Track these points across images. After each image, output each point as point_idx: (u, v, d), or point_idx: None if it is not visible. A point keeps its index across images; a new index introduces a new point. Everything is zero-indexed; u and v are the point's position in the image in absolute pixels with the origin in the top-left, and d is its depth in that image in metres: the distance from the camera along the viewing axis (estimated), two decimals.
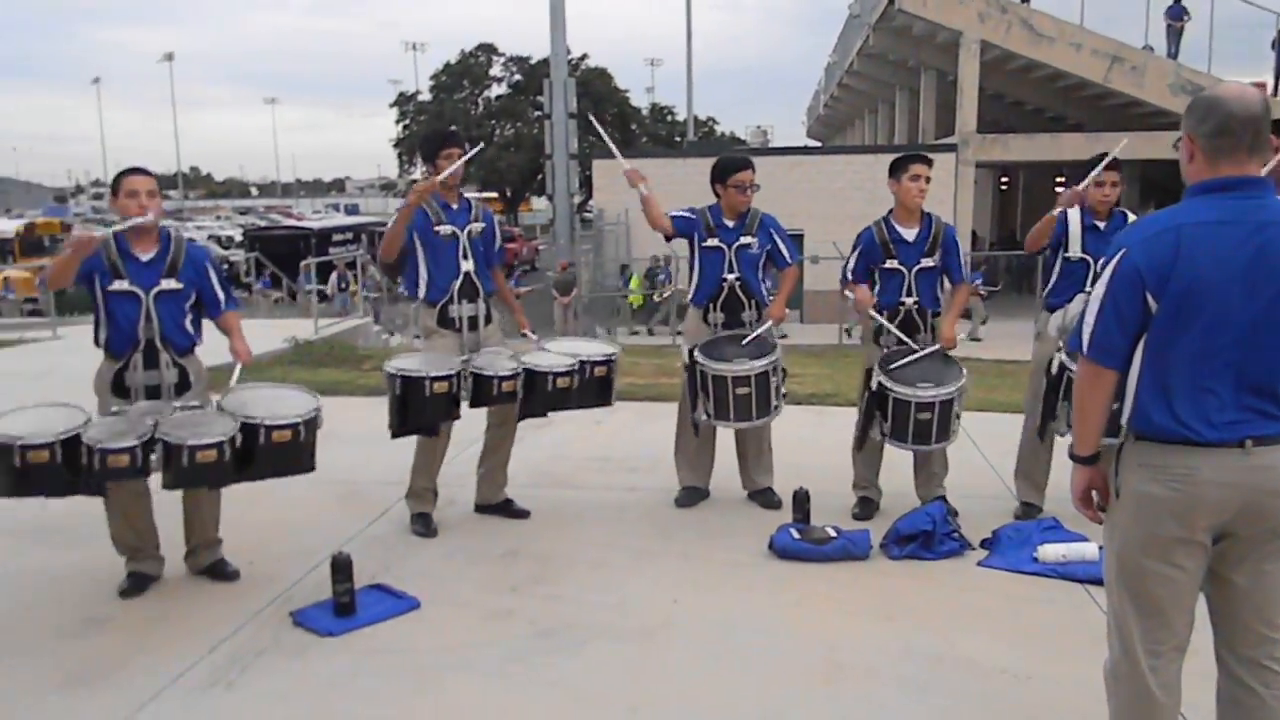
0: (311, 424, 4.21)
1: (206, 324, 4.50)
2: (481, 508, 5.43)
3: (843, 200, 21.87)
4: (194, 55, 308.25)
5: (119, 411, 4.17)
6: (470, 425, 5.19)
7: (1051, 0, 25.66)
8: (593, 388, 5.14)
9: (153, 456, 3.97)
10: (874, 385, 4.98)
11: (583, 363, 5.06)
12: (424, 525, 5.13)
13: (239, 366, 4.37)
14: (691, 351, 5.26)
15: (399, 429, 4.83)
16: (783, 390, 5.30)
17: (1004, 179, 33.47)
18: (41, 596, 4.39)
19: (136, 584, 4.40)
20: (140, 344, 4.23)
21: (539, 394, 4.97)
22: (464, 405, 4.90)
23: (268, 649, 3.87)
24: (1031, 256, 5.89)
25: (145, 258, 4.26)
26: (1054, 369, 4.91)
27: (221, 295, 4.47)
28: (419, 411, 4.74)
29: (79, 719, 3.37)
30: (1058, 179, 29.51)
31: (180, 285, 4.31)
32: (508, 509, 5.39)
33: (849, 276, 5.26)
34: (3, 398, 4.54)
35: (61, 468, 3.87)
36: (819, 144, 45.85)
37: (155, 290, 4.24)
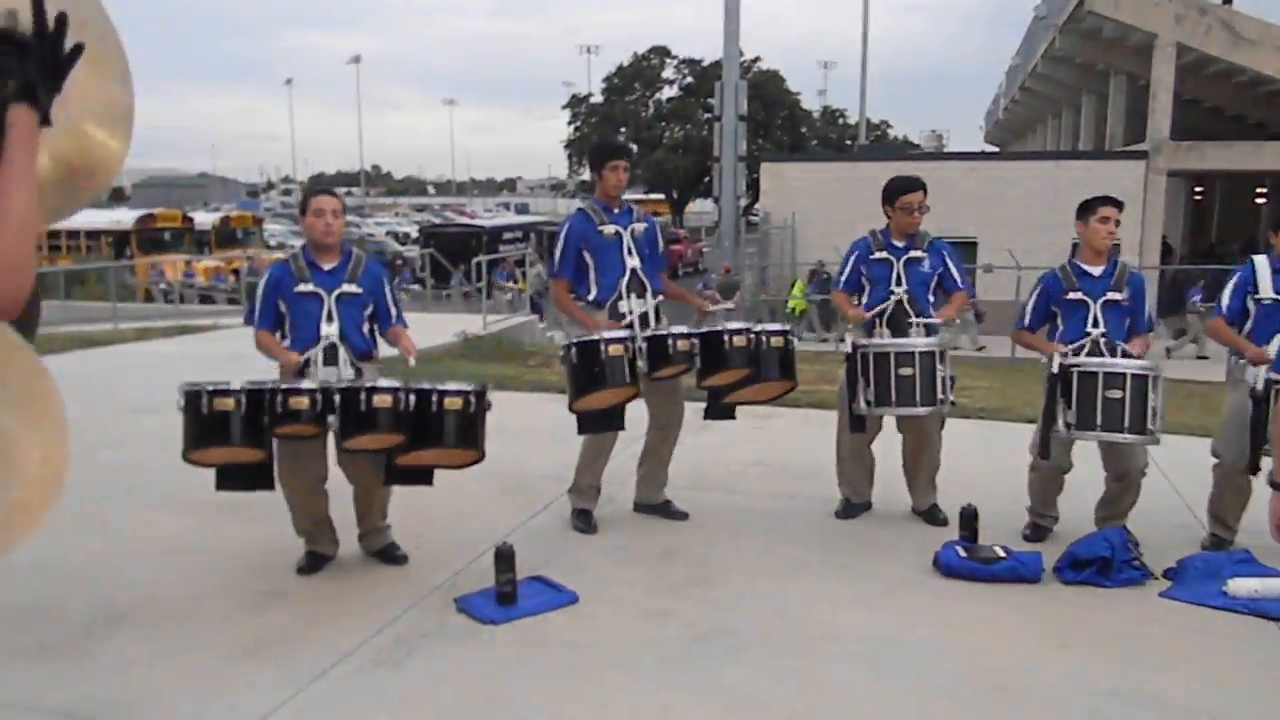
0: (480, 398, 4.30)
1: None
2: (640, 507, 5.45)
3: (1021, 208, 21.09)
4: (380, 58, 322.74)
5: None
6: (632, 425, 5.22)
7: (1255, 1, 24.09)
8: (773, 359, 5.05)
9: (330, 419, 4.16)
10: (1055, 367, 4.72)
11: (757, 332, 5.02)
12: (585, 521, 5.19)
13: (411, 361, 4.54)
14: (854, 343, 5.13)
15: (578, 398, 4.80)
16: (950, 388, 5.07)
17: (1198, 189, 31.59)
18: (227, 569, 4.64)
19: (313, 563, 4.61)
20: (321, 342, 4.45)
21: (717, 356, 4.90)
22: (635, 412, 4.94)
23: (432, 633, 3.98)
24: (1223, 273, 5.60)
25: (328, 267, 4.53)
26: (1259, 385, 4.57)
27: (393, 310, 4.69)
28: (597, 376, 4.71)
29: (256, 687, 3.54)
30: (1259, 190, 27.65)
31: (360, 290, 4.54)
32: (666, 510, 5.40)
33: (1025, 323, 5.12)
34: (189, 375, 4.82)
35: (244, 421, 4.07)
36: (997, 149, 44.38)
37: (337, 291, 4.48)
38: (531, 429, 6.97)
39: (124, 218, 30.01)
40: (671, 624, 4.09)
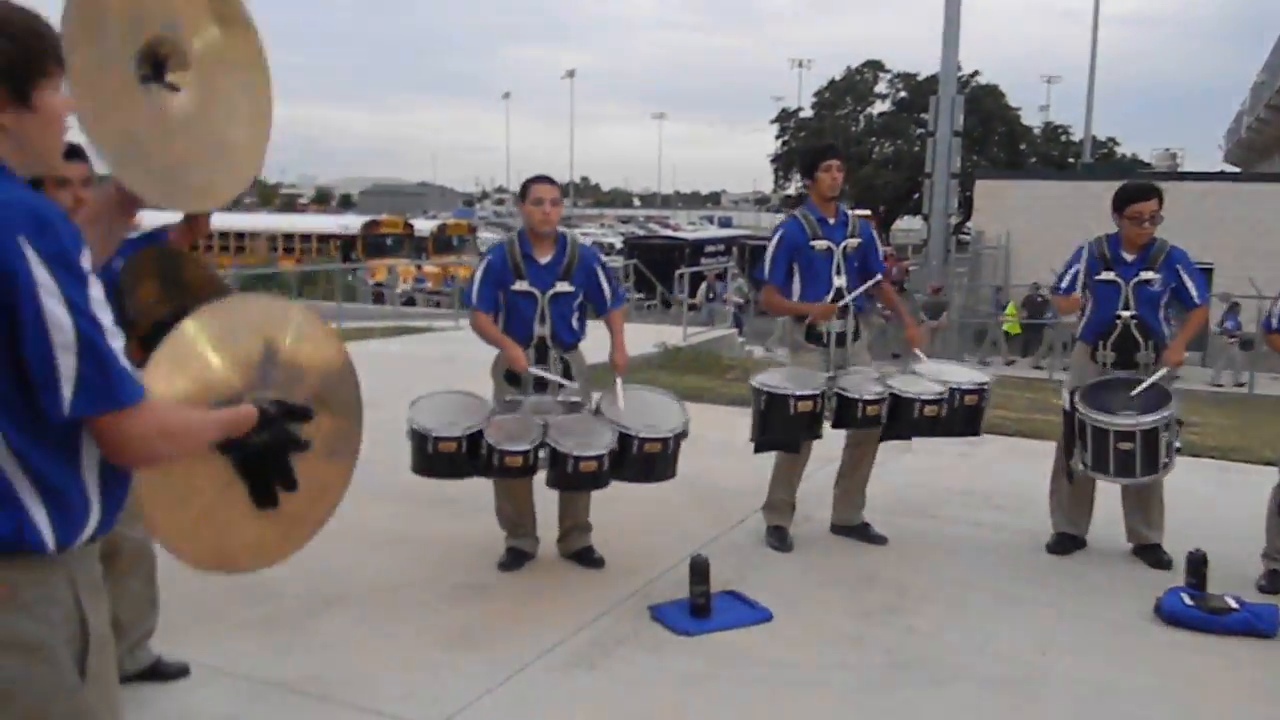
0: (680, 437, 4.43)
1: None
2: (838, 528, 5.34)
3: (1264, 233, 19.56)
4: (593, 72, 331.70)
5: (512, 401, 4.54)
6: (829, 442, 5.12)
7: None
8: (960, 416, 4.89)
9: (541, 455, 4.31)
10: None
11: (953, 390, 4.84)
12: (779, 539, 5.13)
13: (619, 381, 4.61)
14: (1072, 395, 4.88)
15: (760, 443, 4.89)
16: (1175, 445, 4.76)
17: None
18: (434, 561, 4.84)
19: (514, 559, 4.74)
20: (534, 339, 4.57)
21: (904, 420, 4.83)
22: (826, 425, 4.87)
23: (627, 638, 4.02)
24: None
25: (544, 260, 4.61)
26: None
27: (609, 293, 4.76)
28: (781, 428, 4.78)
29: (458, 676, 3.67)
30: None
31: (572, 288, 4.64)
32: (864, 533, 5.26)
33: (1274, 324, 4.71)
34: (415, 378, 5.07)
35: (464, 456, 4.32)
36: (1238, 170, 41.34)
37: (551, 292, 4.59)
38: (726, 443, 6.94)
39: (351, 223, 31.97)
40: (869, 650, 3.98)
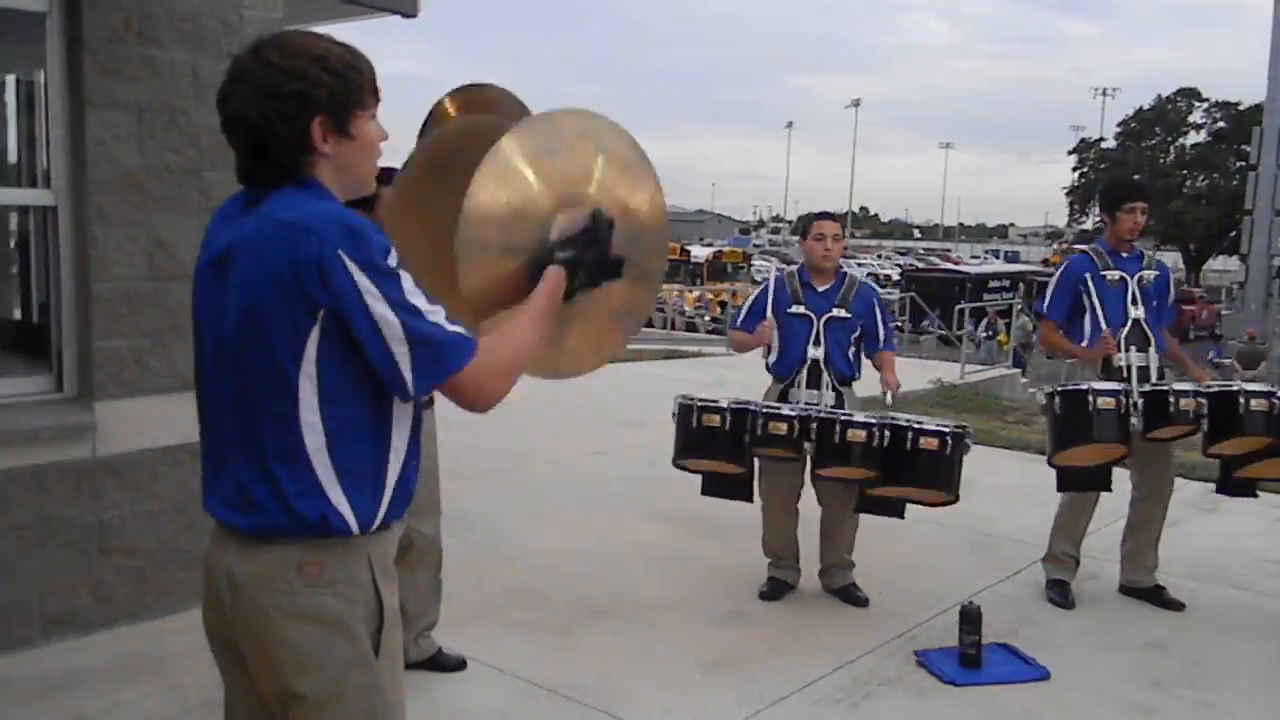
0: (959, 440, 4.19)
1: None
2: (1127, 589, 4.93)
3: None
4: (877, 101, 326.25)
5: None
6: (1118, 496, 4.76)
7: None
8: None
9: (807, 445, 4.25)
10: None
11: None
12: (1060, 594, 4.80)
13: (889, 395, 4.52)
14: None
15: (1058, 451, 4.53)
16: None
17: None
18: (698, 583, 4.88)
19: (775, 589, 4.71)
20: (806, 363, 4.55)
21: (1228, 416, 4.35)
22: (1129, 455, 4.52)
23: (891, 681, 3.89)
24: None
25: (821, 289, 4.63)
26: None
27: (883, 333, 4.71)
28: (1081, 429, 4.39)
29: (716, 699, 3.68)
30: None
31: (848, 315, 4.59)
32: (1158, 597, 4.83)
33: None
34: (628, 395, 5.12)
35: (727, 436, 4.27)
36: None
37: (826, 316, 4.56)
38: (1005, 488, 6.61)
39: None
40: None
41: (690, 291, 29.12)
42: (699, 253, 35.22)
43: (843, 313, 4.60)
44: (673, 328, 24.77)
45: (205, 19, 4.10)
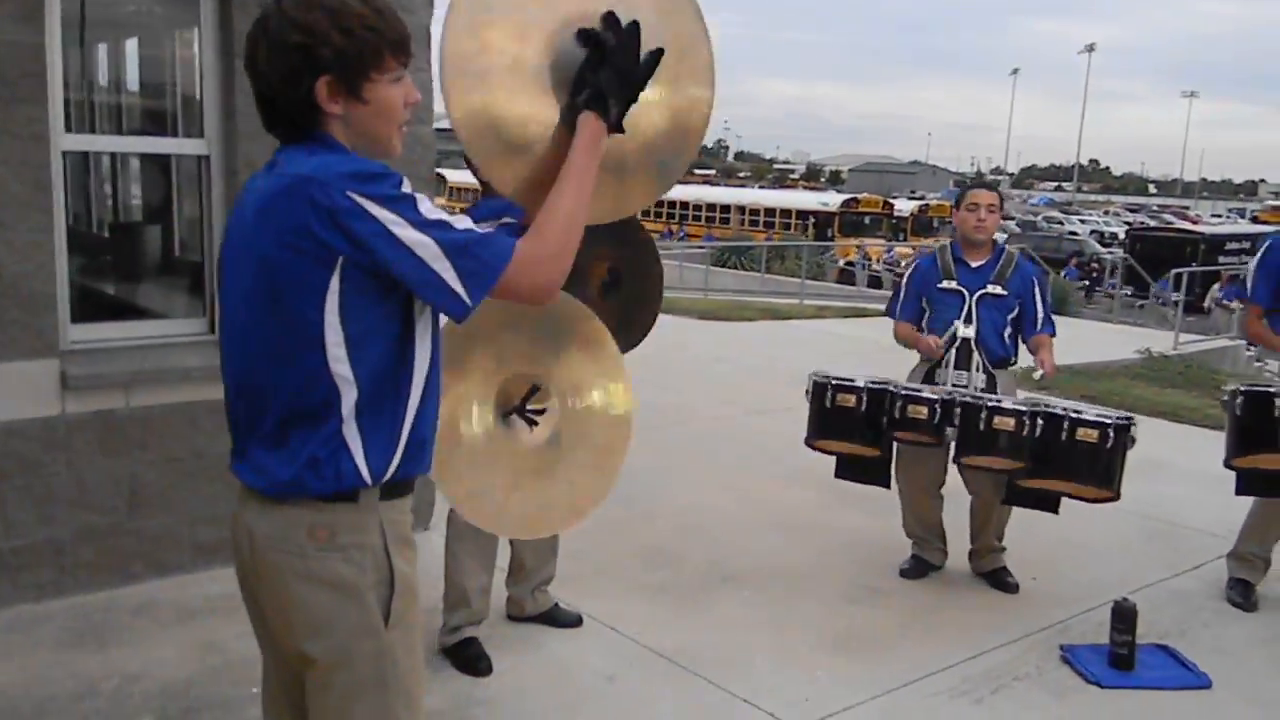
0: (1122, 433, 3.80)
1: None
2: None
3: None
4: (1114, 47, 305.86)
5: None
6: None
7: None
8: None
9: (949, 430, 3.99)
10: None
11: None
12: (1243, 594, 4.34)
13: (1040, 374, 4.17)
14: None
15: (1237, 454, 4.08)
16: None
17: None
18: (836, 554, 4.70)
19: (917, 567, 4.47)
20: (956, 342, 4.25)
21: None
22: None
23: (1029, 676, 3.62)
24: None
25: (975, 264, 4.35)
26: None
27: (1041, 315, 4.36)
28: (1264, 435, 3.94)
29: (832, 680, 3.52)
30: None
31: (1004, 292, 4.29)
32: None
33: None
34: (855, 362, 4.91)
35: (863, 418, 4.06)
36: None
37: (980, 292, 4.27)
38: (1200, 472, 6.03)
39: (830, 200, 32.26)
40: None
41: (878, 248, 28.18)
42: (904, 207, 34.06)
43: (998, 289, 4.28)
44: (877, 285, 24.10)
45: None
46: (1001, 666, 3.68)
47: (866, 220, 30.62)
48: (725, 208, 33.54)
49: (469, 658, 3.48)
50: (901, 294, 4.55)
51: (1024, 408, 3.87)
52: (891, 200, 34.66)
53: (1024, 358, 4.45)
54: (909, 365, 4.48)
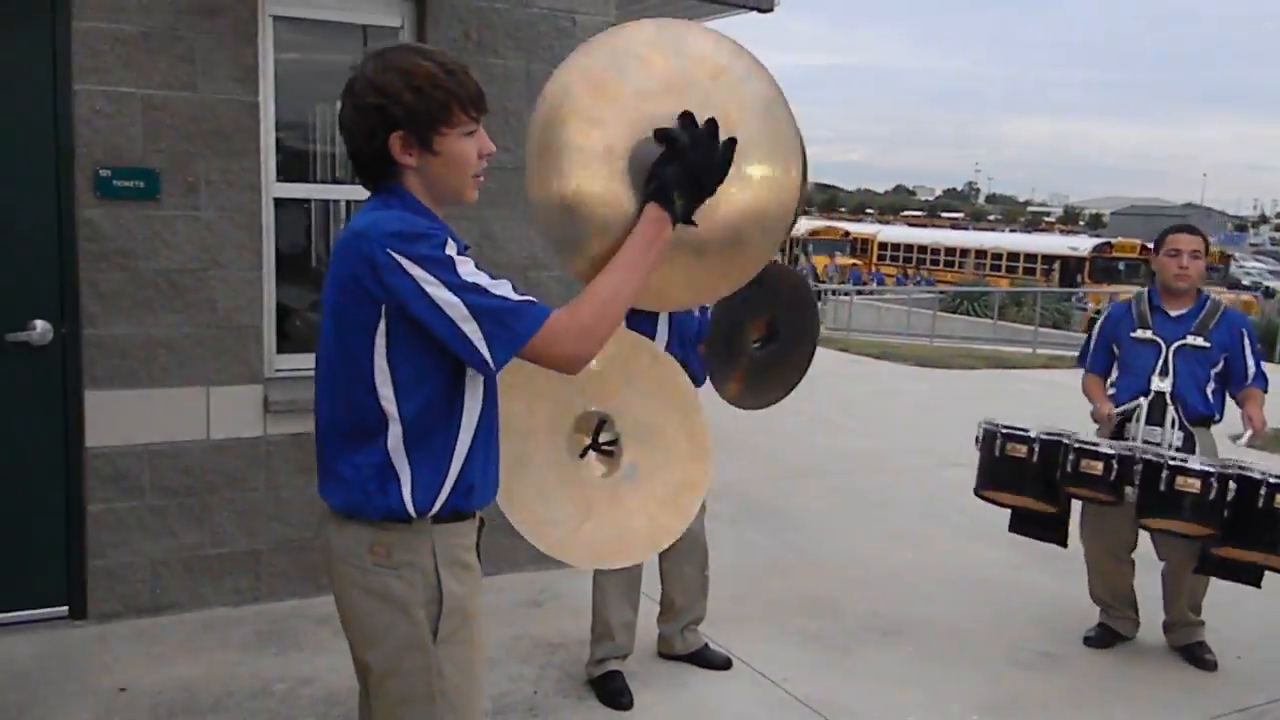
0: None
1: None
2: None
3: None
4: None
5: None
6: None
7: None
8: None
9: (1129, 489, 3.73)
10: None
11: None
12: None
13: (1248, 433, 3.81)
14: None
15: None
16: None
17: None
18: (1016, 616, 4.45)
19: (1103, 636, 4.18)
20: (1149, 395, 3.97)
21: None
22: None
23: None
24: None
25: (1175, 313, 4.06)
26: None
27: (1251, 369, 4.00)
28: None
29: None
30: None
31: (1207, 345, 3.97)
32: None
33: None
34: (1067, 412, 4.66)
35: (1035, 469, 3.86)
36: None
37: (1178, 343, 3.97)
38: None
39: (1080, 245, 30.49)
40: None
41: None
42: (1081, 245, 31.55)
43: (1199, 341, 3.96)
44: None
45: (540, 25, 4.39)
46: None
47: (1122, 266, 28.68)
48: (964, 251, 32.42)
49: (612, 691, 3.54)
50: (1092, 343, 4.31)
51: (1212, 468, 3.56)
52: (1149, 245, 32.37)
53: (1232, 418, 4.09)
54: None
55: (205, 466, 4.04)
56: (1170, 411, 3.94)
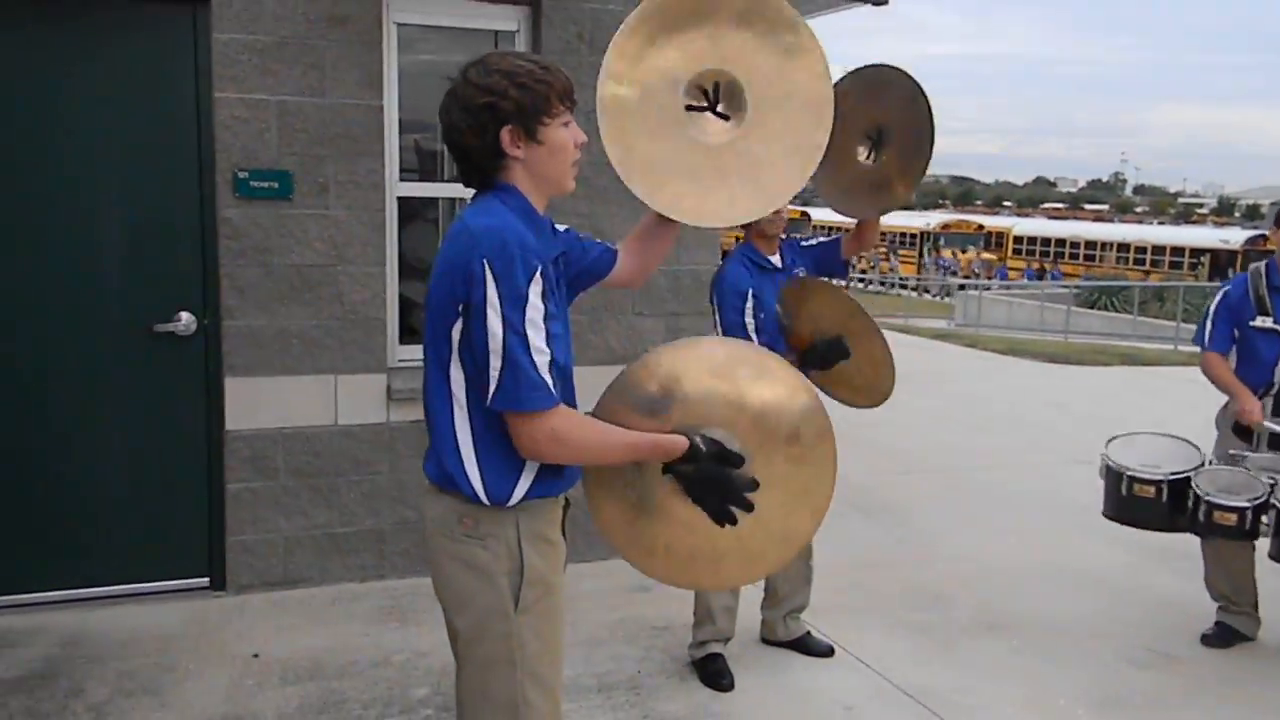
0: None
1: None
2: None
3: None
4: None
5: (1236, 456, 3.86)
6: None
7: None
8: None
9: (1264, 520, 3.64)
10: None
11: None
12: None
13: None
14: None
15: None
16: None
17: None
18: (1132, 614, 4.36)
19: (1221, 635, 4.06)
20: (1275, 387, 3.84)
21: None
22: None
23: None
24: None
25: None
26: None
27: None
28: None
29: None
30: None
31: None
32: None
33: None
34: (1202, 411, 4.54)
35: (1165, 506, 3.81)
36: None
37: None
38: None
39: (1232, 237, 28.99)
40: None
41: None
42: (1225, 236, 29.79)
43: None
44: None
45: None
46: None
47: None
48: (1105, 245, 31.22)
49: (712, 673, 3.63)
50: (1209, 321, 4.10)
51: None
52: None
53: None
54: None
55: (333, 450, 4.30)
56: None
